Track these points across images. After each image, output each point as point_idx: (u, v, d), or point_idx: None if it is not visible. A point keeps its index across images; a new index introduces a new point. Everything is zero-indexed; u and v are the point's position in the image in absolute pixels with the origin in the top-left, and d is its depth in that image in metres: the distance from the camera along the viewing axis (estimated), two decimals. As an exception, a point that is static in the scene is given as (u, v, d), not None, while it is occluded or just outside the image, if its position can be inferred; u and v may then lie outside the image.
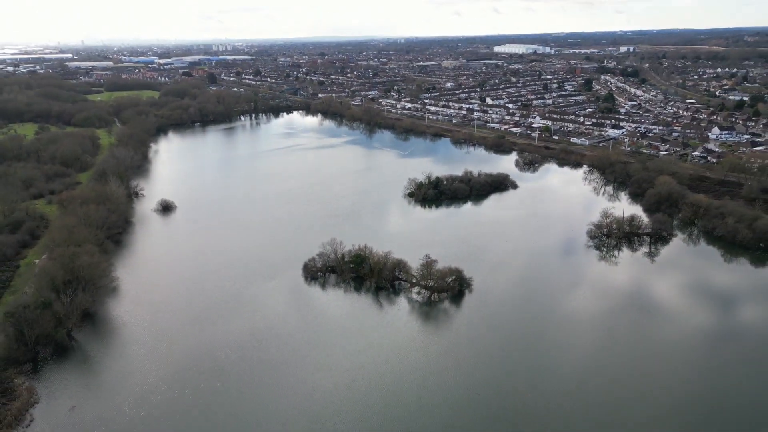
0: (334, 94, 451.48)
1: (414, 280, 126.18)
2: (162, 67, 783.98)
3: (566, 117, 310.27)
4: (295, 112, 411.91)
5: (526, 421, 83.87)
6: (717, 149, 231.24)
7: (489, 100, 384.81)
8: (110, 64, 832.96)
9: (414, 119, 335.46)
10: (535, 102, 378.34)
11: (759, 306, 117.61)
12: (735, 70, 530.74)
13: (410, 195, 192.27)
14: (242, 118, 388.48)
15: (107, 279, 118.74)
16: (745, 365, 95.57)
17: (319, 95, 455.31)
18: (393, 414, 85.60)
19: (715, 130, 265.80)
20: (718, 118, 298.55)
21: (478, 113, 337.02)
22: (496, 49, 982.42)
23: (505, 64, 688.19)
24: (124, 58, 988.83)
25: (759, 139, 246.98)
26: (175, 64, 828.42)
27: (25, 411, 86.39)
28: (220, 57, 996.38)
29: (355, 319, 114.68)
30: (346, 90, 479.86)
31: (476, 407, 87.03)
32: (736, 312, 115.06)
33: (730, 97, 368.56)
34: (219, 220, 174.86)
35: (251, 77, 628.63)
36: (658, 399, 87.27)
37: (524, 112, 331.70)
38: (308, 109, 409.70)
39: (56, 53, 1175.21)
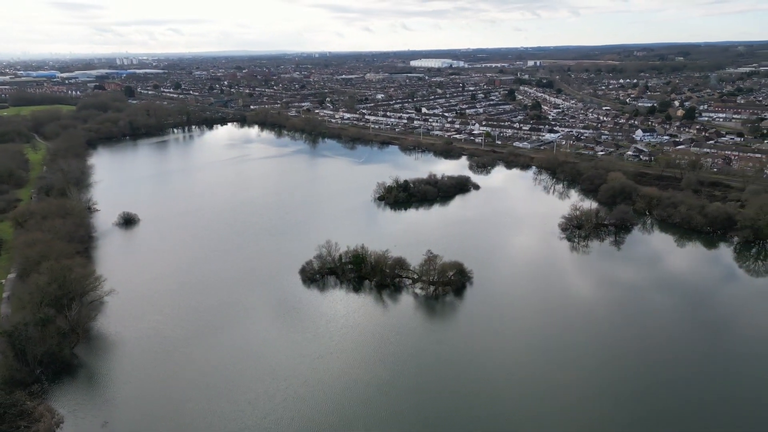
0: (266, 106, 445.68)
1: (415, 277, 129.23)
2: (66, 81, 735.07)
3: (503, 124, 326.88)
4: (229, 124, 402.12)
5: (555, 401, 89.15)
6: (645, 149, 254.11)
7: (425, 110, 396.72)
8: (6, 78, 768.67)
9: (358, 128, 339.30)
10: (468, 111, 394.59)
11: (717, 280, 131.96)
12: (635, 81, 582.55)
13: (380, 198, 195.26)
14: (174, 130, 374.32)
15: (102, 292, 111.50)
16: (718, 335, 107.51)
17: (251, 107, 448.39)
18: (427, 405, 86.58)
19: (639, 132, 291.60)
20: (636, 122, 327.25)
21: (419, 122, 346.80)
22: (413, 63, 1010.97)
23: (427, 77, 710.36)
24: (20, 72, 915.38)
25: (679, 139, 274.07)
26: (81, 78, 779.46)
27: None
28: (129, 71, 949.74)
29: (367, 318, 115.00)
30: (278, 101, 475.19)
31: (505, 390, 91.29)
32: (703, 288, 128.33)
33: (639, 104, 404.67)
34: (191, 231, 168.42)
35: (171, 90, 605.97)
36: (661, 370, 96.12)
37: (462, 120, 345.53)
38: (244, 121, 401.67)
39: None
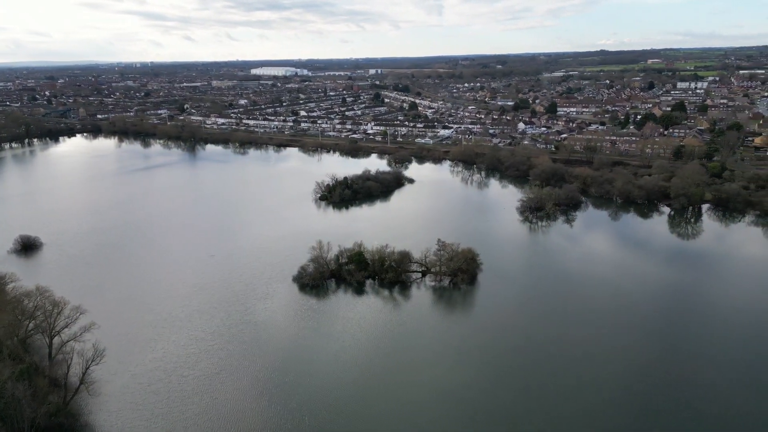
0: (115, 114, 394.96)
1: (424, 269, 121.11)
2: None
3: (395, 123, 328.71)
4: (78, 135, 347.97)
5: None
6: (537, 138, 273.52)
7: (303, 113, 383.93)
8: None
9: (244, 133, 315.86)
10: (347, 113, 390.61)
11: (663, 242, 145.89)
12: (478, 84, 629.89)
13: (322, 198, 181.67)
14: (12, 145, 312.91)
15: (80, 327, 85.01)
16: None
17: (98, 116, 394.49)
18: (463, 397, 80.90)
19: (521, 125, 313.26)
20: (508, 118, 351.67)
21: (307, 124, 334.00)
22: (256, 71, 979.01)
23: (279, 84, 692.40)
24: None
25: (554, 129, 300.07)
26: None
27: None
28: None
29: (381, 318, 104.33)
30: (128, 110, 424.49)
31: (532, 376, 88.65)
32: (660, 251, 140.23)
33: (499, 103, 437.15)
34: (125, 250, 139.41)
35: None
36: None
37: (354, 122, 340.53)
38: (98, 131, 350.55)
39: None
